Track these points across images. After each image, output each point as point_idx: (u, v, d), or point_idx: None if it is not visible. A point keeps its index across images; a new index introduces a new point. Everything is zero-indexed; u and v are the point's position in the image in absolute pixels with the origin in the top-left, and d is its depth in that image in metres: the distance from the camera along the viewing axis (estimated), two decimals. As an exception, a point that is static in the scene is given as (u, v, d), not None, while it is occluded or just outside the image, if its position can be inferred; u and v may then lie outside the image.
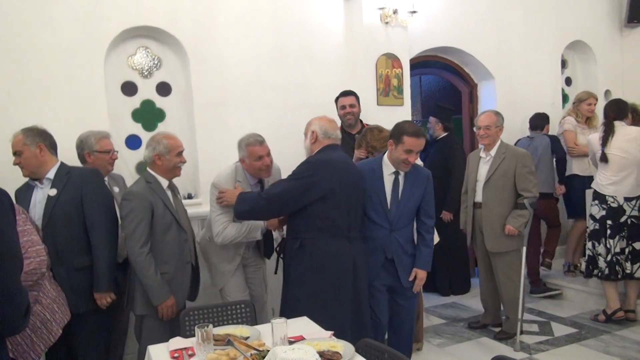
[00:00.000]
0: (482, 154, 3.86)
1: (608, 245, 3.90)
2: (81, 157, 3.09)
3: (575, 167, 4.75)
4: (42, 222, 2.65)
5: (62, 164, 2.77)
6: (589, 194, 4.18)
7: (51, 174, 2.71)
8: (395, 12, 4.36)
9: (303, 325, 2.32)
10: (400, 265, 3.00)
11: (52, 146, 2.76)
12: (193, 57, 3.83)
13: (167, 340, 2.20)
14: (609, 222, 3.89)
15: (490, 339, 3.86)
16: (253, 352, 1.89)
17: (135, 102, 3.82)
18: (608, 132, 3.88)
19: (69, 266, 2.64)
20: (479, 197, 3.82)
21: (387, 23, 4.39)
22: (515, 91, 5.31)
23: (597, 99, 4.91)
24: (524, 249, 3.71)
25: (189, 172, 3.94)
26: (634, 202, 3.84)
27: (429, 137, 4.83)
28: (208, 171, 3.75)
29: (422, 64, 5.23)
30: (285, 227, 3.06)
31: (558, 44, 5.62)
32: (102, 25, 3.55)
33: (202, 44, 3.86)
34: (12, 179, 2.84)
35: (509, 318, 3.84)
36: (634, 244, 3.87)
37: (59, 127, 3.37)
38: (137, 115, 3.83)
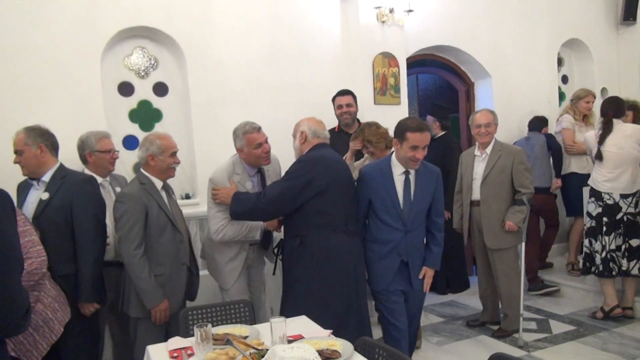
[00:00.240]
0: (477, 152, 3.87)
1: (603, 242, 3.92)
2: (82, 158, 3.09)
3: (574, 165, 4.77)
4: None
5: (60, 166, 2.75)
6: (586, 191, 4.20)
7: (47, 177, 2.69)
8: (391, 11, 4.37)
9: (302, 324, 2.32)
10: (414, 267, 2.96)
11: (53, 147, 2.75)
12: (189, 57, 3.83)
13: (162, 342, 2.20)
14: (604, 219, 3.90)
15: (488, 336, 3.87)
16: (252, 351, 1.89)
17: (132, 102, 3.81)
18: (606, 130, 3.90)
19: (53, 273, 2.56)
20: (476, 195, 3.83)
21: (383, 22, 4.39)
22: (512, 89, 5.33)
23: (595, 97, 4.93)
24: (523, 244, 3.75)
25: (187, 172, 3.94)
26: (630, 199, 3.85)
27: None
28: (205, 171, 3.73)
29: (419, 62, 5.24)
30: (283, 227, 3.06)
31: (554, 42, 5.64)
32: (98, 26, 3.54)
33: (199, 44, 3.85)
34: (12, 178, 2.84)
35: (507, 315, 3.85)
36: (630, 241, 3.88)
37: (56, 127, 3.33)
38: (134, 116, 3.83)
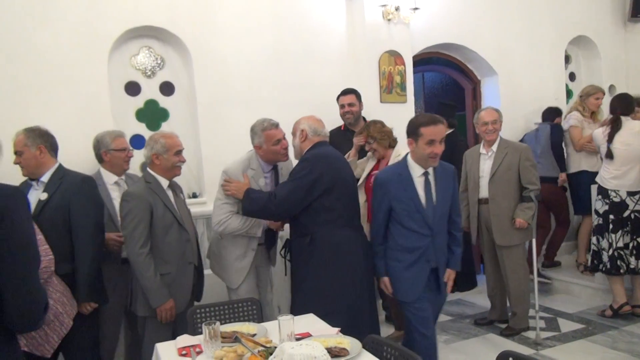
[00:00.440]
0: (483, 150, 3.86)
1: (610, 240, 3.90)
2: (98, 156, 3.15)
3: (584, 163, 4.72)
4: None
5: (59, 167, 2.75)
6: (594, 189, 4.17)
7: (46, 177, 2.69)
8: (397, 9, 4.36)
9: (309, 322, 2.32)
10: (442, 272, 2.82)
11: (52, 148, 2.76)
12: (195, 56, 3.84)
13: (169, 340, 2.21)
14: (611, 216, 3.89)
15: (496, 335, 3.85)
16: (260, 348, 1.89)
17: (138, 102, 3.83)
18: (615, 128, 3.88)
19: None
20: (484, 193, 3.82)
21: (389, 20, 4.38)
22: (518, 87, 5.30)
23: (604, 93, 4.89)
24: (534, 240, 3.75)
25: (193, 171, 3.95)
26: (637, 196, 3.83)
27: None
28: (212, 170, 3.75)
29: (425, 60, 5.22)
30: (285, 227, 3.07)
31: (561, 39, 5.61)
32: (104, 26, 3.55)
33: (205, 43, 3.86)
34: (12, 179, 2.83)
35: (515, 314, 3.83)
36: (638, 239, 3.85)
37: (64, 127, 3.38)
38: (141, 115, 3.84)
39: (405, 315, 2.84)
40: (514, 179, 3.72)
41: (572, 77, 5.96)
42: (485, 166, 3.82)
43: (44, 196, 2.64)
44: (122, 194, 2.84)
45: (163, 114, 3.91)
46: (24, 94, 3.32)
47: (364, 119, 4.10)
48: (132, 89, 3.81)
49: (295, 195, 2.77)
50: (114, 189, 3.12)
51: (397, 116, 4.23)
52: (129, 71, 3.78)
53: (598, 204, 4.00)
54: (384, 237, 2.85)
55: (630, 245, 3.86)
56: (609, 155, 3.87)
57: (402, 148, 3.60)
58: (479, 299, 4.61)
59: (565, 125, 4.92)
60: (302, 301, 2.78)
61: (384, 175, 2.85)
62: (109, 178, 3.14)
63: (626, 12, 5.84)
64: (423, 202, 2.72)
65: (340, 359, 1.86)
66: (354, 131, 3.97)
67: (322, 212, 2.79)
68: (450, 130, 4.81)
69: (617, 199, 3.86)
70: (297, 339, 1.97)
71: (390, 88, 4.46)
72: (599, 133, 4.01)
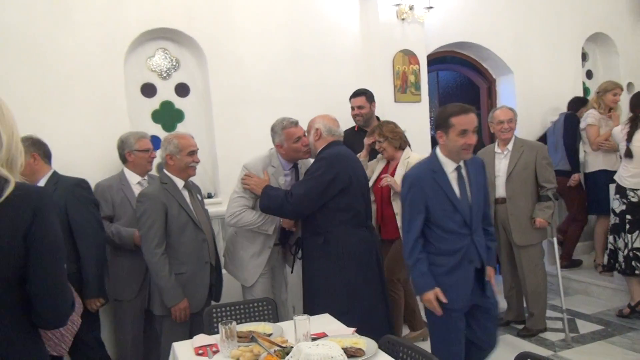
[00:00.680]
0: (498, 150, 3.83)
1: (626, 240, 3.87)
2: (122, 157, 3.23)
3: (603, 162, 4.63)
4: None
5: (54, 173, 2.83)
6: (612, 188, 4.12)
7: (42, 183, 2.77)
8: (411, 8, 4.34)
9: (325, 322, 2.33)
10: (485, 272, 2.55)
11: (46, 155, 2.85)
12: (210, 58, 3.86)
13: (186, 339, 2.23)
14: (628, 216, 3.86)
15: (513, 336, 3.81)
16: (276, 348, 1.90)
17: (154, 103, 3.86)
18: (634, 127, 3.82)
19: None
20: (500, 193, 3.78)
21: (403, 19, 4.36)
22: (535, 86, 5.24)
23: (622, 89, 4.79)
24: (555, 239, 3.74)
25: (208, 172, 3.97)
26: (656, 196, 3.77)
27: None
28: (227, 171, 3.78)
29: (440, 59, 5.18)
30: (298, 225, 3.07)
31: (578, 36, 5.53)
32: (121, 28, 3.59)
33: (219, 44, 3.88)
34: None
35: (532, 314, 3.79)
36: (656, 240, 3.79)
37: (81, 128, 3.44)
38: (156, 116, 3.87)
39: (435, 324, 2.55)
40: (530, 178, 3.69)
41: (589, 74, 5.88)
42: (502, 165, 3.79)
43: None
44: (138, 195, 2.88)
45: (178, 115, 3.94)
46: (42, 96, 3.37)
47: (377, 118, 4.09)
48: (148, 90, 3.84)
49: (312, 194, 2.77)
50: (137, 189, 3.16)
51: (412, 116, 4.22)
52: (145, 73, 3.82)
53: (615, 203, 3.96)
54: (423, 245, 2.53)
55: (647, 246, 3.81)
56: (628, 154, 3.83)
57: (413, 151, 3.61)
58: (495, 299, 4.57)
59: (582, 124, 4.84)
60: (317, 301, 2.79)
61: (415, 173, 2.56)
62: (132, 178, 3.21)
63: (644, 8, 5.75)
64: (459, 199, 2.50)
65: (357, 359, 1.87)
66: (367, 131, 3.97)
67: (338, 212, 2.80)
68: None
69: (635, 199, 3.82)
70: (313, 339, 1.97)
71: (404, 87, 4.44)
72: (618, 131, 3.96)
